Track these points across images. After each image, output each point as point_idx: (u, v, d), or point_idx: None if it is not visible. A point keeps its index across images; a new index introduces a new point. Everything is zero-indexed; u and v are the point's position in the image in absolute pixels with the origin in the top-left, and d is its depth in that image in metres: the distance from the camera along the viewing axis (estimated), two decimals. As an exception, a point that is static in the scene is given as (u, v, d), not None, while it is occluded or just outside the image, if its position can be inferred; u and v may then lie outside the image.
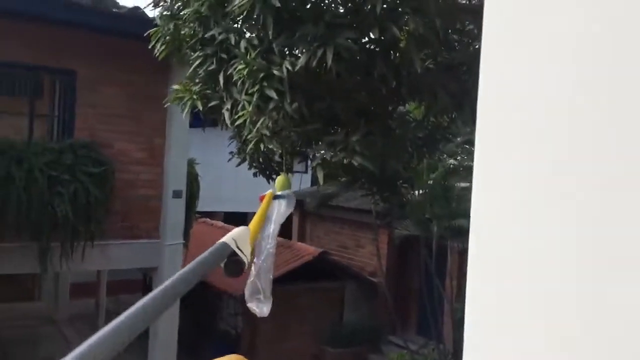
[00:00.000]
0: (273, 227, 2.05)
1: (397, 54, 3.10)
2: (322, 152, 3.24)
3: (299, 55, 2.97)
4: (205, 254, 1.43)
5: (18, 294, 16.33)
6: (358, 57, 2.95)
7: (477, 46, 3.89)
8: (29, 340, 13.02)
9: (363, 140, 3.01)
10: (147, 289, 11.74)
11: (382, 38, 2.83)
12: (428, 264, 10.37)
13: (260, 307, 2.10)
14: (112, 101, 8.31)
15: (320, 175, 3.24)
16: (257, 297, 2.09)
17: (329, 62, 2.75)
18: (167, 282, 1.25)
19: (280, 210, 2.00)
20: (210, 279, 12.03)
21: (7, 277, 14.01)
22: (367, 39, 3.05)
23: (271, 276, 2.08)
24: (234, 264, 1.50)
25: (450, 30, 3.35)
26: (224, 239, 1.51)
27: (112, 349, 1.04)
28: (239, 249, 1.50)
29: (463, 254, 11.05)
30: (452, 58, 3.41)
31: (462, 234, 9.80)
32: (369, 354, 12.17)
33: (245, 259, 1.52)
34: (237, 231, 1.59)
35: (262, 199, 1.99)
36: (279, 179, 3.56)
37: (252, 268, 2.08)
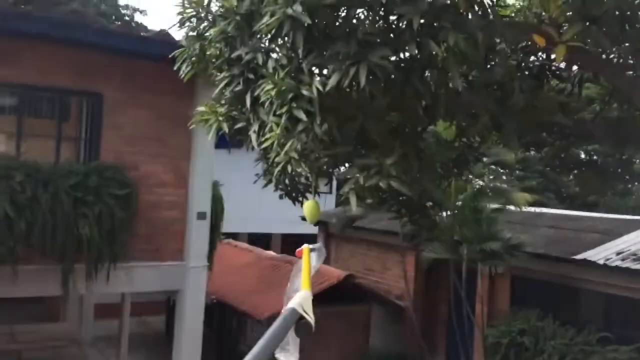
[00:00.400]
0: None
1: (434, 72, 2.94)
2: (355, 175, 3.07)
3: (330, 74, 2.83)
4: (280, 321, 1.66)
5: (43, 315, 16.40)
6: (392, 76, 2.79)
7: (515, 63, 3.71)
8: (52, 361, 12.97)
9: (398, 163, 2.84)
10: (171, 310, 11.62)
11: (419, 55, 2.68)
12: (457, 288, 10.05)
13: (288, 358, 2.08)
14: (138, 123, 8.29)
15: (353, 201, 3.07)
16: (285, 348, 2.07)
17: (362, 81, 2.60)
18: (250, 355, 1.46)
19: (312, 264, 2.12)
20: (234, 301, 11.88)
21: (33, 298, 14.08)
22: (402, 56, 2.90)
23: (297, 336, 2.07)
24: (304, 327, 1.72)
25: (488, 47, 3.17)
26: (292, 304, 1.72)
27: None
28: (305, 312, 1.72)
29: (494, 278, 10.71)
30: (489, 75, 3.23)
31: (493, 257, 9.50)
32: (397, 381, 11.82)
33: (312, 320, 1.73)
34: (301, 296, 1.78)
35: (299, 254, 2.13)
36: (308, 206, 3.40)
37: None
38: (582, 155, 19.06)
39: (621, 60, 4.20)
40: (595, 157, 18.55)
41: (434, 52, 2.58)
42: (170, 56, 4.11)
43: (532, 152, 22.45)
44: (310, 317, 1.72)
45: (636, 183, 24.08)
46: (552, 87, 4.58)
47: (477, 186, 10.11)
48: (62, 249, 7.31)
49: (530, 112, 3.04)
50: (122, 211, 7.60)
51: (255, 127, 3.30)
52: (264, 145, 3.20)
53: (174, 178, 8.61)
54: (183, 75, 3.89)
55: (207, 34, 3.46)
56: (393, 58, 2.78)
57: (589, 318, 9.54)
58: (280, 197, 5.57)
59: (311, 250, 2.20)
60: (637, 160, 22.77)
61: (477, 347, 10.61)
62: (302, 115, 2.86)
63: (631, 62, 4.29)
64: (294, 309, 1.70)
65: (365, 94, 2.80)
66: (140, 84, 8.24)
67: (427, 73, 2.97)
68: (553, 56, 4.97)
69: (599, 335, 8.91)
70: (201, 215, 8.74)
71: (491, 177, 12.35)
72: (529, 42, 3.48)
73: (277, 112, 2.94)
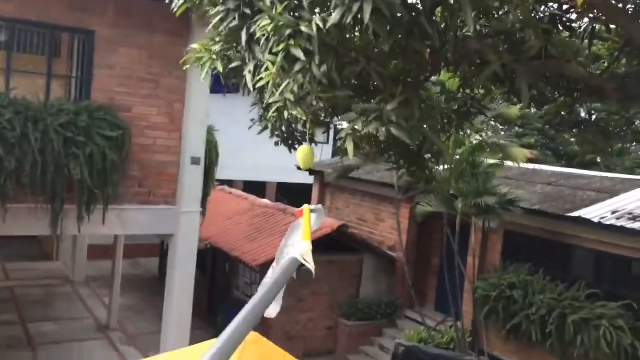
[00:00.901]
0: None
1: (445, 13, 2.74)
2: (352, 121, 2.92)
3: (332, 10, 2.64)
4: (283, 267, 1.87)
5: (37, 254, 16.51)
6: (399, 14, 2.60)
7: (539, 9, 3.50)
8: (45, 299, 13.12)
9: (399, 109, 2.69)
10: (165, 254, 11.65)
11: (429, -8, 2.48)
12: (450, 241, 10.06)
13: (270, 307, 2.25)
14: (130, 63, 8.03)
15: (349, 147, 2.93)
16: None
17: (366, 18, 2.41)
18: (253, 303, 1.64)
19: (311, 224, 2.30)
20: (227, 248, 11.91)
21: (27, 238, 14.10)
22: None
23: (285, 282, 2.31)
24: (306, 274, 1.97)
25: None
26: (293, 254, 1.91)
27: None
28: (306, 260, 1.92)
29: (487, 232, 10.72)
30: (504, 22, 3.03)
31: (488, 212, 9.46)
32: (385, 329, 12.01)
33: (312, 267, 1.93)
34: (302, 246, 1.98)
35: (300, 213, 2.29)
36: (302, 151, 3.26)
37: (270, 271, 2.38)
38: (583, 114, 18.88)
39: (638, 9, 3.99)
40: (595, 116, 18.36)
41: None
42: (162, -11, 3.87)
43: (533, 110, 22.24)
44: (311, 265, 1.92)
45: (635, 144, 23.99)
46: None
47: (476, 141, 9.97)
48: (52, 188, 7.21)
49: (544, 62, 2.86)
50: (113, 153, 7.46)
51: (251, 66, 3.12)
52: (258, 85, 3.03)
53: (168, 121, 8.43)
54: (176, 9, 3.66)
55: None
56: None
57: (580, 274, 9.61)
58: (276, 144, 5.42)
59: (312, 211, 2.35)
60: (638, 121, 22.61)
61: (466, 299, 10.73)
62: (300, 54, 2.69)
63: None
64: (296, 258, 1.88)
65: (369, 34, 2.61)
66: (133, 21, 7.94)
67: (436, 14, 2.78)
68: (565, 6, 4.75)
69: (588, 291, 9.00)
70: (195, 160, 8.60)
71: (490, 132, 12.20)
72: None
73: (274, 50, 2.76)
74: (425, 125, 3.14)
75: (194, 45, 4.00)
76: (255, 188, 18.61)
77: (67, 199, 7.36)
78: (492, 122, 21.65)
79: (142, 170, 8.27)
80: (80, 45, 7.89)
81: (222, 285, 13.00)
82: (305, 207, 2.32)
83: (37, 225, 7.42)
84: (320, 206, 2.50)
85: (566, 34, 4.54)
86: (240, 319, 1.60)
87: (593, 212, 8.99)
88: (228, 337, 1.56)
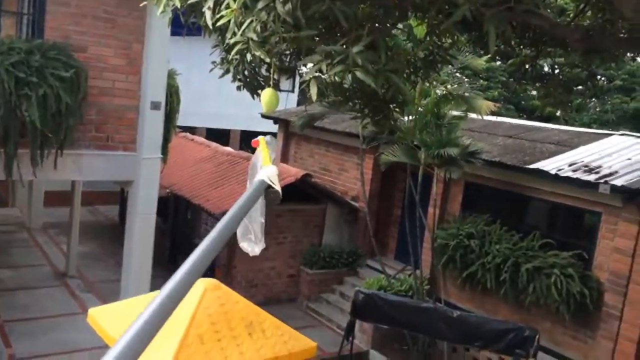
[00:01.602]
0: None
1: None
2: (316, 63, 2.82)
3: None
4: (250, 190, 1.87)
5: (-9, 200, 16.03)
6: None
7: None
8: (0, 245, 12.82)
9: (365, 53, 2.61)
10: (125, 201, 11.45)
11: None
12: (412, 191, 10.18)
13: (252, 247, 2.33)
14: (86, 0, 7.62)
15: (313, 91, 2.84)
16: (248, 237, 2.28)
17: (333, -47, 2.29)
18: (224, 222, 1.60)
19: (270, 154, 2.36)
20: (189, 195, 11.78)
21: (-21, 182, 13.61)
22: None
23: (263, 220, 2.29)
24: (273, 194, 1.99)
25: None
26: (260, 177, 1.96)
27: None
28: (272, 182, 1.97)
29: (449, 183, 10.88)
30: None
31: (450, 163, 9.57)
32: (346, 277, 12.24)
33: (279, 188, 1.98)
34: (268, 170, 2.02)
35: (255, 144, 2.34)
36: (266, 94, 3.17)
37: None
38: (547, 69, 19.08)
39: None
40: (558, 71, 18.60)
41: None
42: None
43: (498, 62, 22.34)
44: (277, 187, 1.95)
45: (593, 100, 24.51)
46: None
47: (441, 92, 9.96)
48: (4, 130, 6.91)
49: (512, 7, 2.80)
50: (68, 95, 7.15)
51: (210, 3, 2.97)
52: (219, 24, 2.89)
53: (126, 63, 8.11)
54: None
55: None
56: None
57: (535, 225, 9.91)
58: (239, 88, 5.26)
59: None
60: (601, 78, 23.04)
61: (426, 248, 10.97)
62: (264, -10, 2.56)
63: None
64: (263, 180, 1.94)
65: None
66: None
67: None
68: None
69: (541, 241, 9.30)
70: (155, 105, 8.35)
71: (455, 84, 12.19)
72: None
73: (235, -15, 2.61)
74: (391, 71, 3.07)
75: (151, -20, 3.77)
76: (219, 136, 18.34)
77: (21, 142, 7.08)
78: (458, 74, 21.69)
79: (100, 115, 8.00)
80: (32, -20, 7.43)
81: (184, 233, 12.93)
82: (260, 137, 2.35)
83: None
84: (270, 137, 2.47)
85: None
86: (206, 242, 1.52)
87: (551, 165, 9.19)
88: (192, 265, 1.49)
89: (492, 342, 8.12)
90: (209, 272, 10.81)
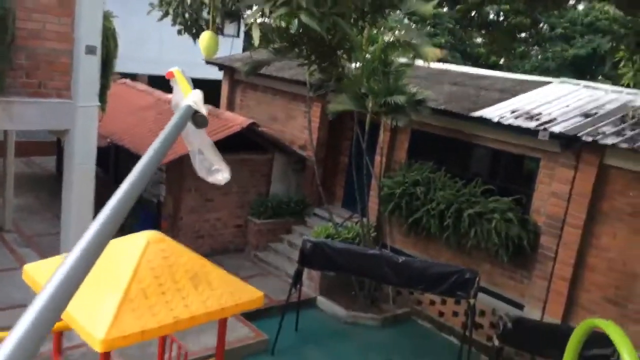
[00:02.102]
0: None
1: None
2: (259, 6, 2.66)
3: None
4: (176, 117, 1.88)
5: None
6: None
7: None
8: None
9: (310, -7, 2.47)
10: (62, 151, 10.96)
11: None
12: (359, 140, 10.20)
13: (222, 175, 2.34)
14: None
15: (255, 35, 2.69)
16: (213, 170, 2.30)
17: None
18: (154, 146, 1.54)
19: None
20: (130, 144, 11.39)
21: None
22: None
23: (213, 148, 2.28)
24: (201, 118, 1.99)
25: None
26: (187, 102, 1.96)
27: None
28: (198, 106, 1.97)
29: (395, 131, 10.95)
30: None
31: (397, 110, 9.59)
32: (294, 226, 12.31)
33: (205, 112, 1.98)
34: (194, 94, 2.01)
35: (170, 75, 2.32)
36: (204, 38, 3.00)
37: (189, 150, 2.34)
38: (491, 16, 19.20)
39: None
40: (503, 18, 18.75)
41: None
42: None
43: (445, 9, 22.28)
44: (204, 110, 1.96)
45: (535, 47, 24.99)
46: None
47: (389, 38, 9.85)
48: None
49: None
50: (-6, 38, 6.62)
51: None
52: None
53: (57, 3, 7.53)
54: None
55: None
56: None
57: (478, 172, 10.16)
58: (179, 32, 5.03)
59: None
60: (544, 26, 23.41)
61: (372, 196, 11.11)
62: None
63: None
64: (189, 105, 1.94)
65: None
66: None
67: None
68: None
69: (483, 187, 9.57)
70: (90, 49, 7.86)
71: (402, 31, 12.08)
72: None
73: None
74: (337, 14, 2.94)
75: None
76: (161, 83, 17.68)
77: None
78: (406, 21, 21.53)
79: (30, 59, 7.47)
80: None
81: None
82: (175, 69, 2.36)
83: None
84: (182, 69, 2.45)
85: None
86: (130, 179, 1.37)
87: (494, 112, 9.36)
88: (116, 203, 1.30)
89: (435, 285, 8.43)
90: (155, 224, 10.62)
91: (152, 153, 1.49)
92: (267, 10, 2.56)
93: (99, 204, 8.94)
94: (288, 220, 12.31)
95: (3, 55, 6.85)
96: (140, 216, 11.03)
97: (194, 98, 1.96)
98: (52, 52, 7.66)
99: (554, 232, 8.74)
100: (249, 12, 5.75)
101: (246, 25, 3.77)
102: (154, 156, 1.48)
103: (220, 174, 2.38)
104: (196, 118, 1.97)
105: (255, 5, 2.61)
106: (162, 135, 1.63)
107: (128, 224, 11.03)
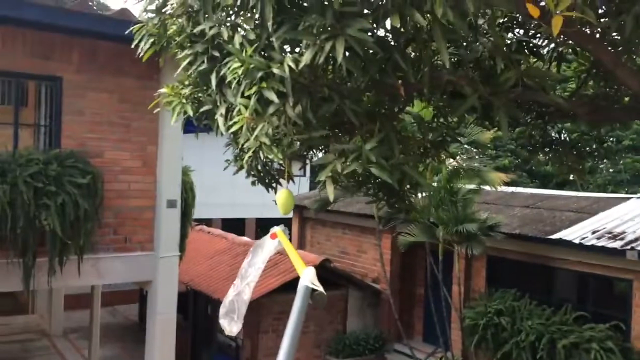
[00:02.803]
0: (262, 261, 2.52)
1: (418, 47, 2.70)
2: (332, 162, 2.83)
3: (303, 50, 2.57)
4: (298, 300, 1.95)
5: (12, 308, 15.90)
6: (372, 52, 2.54)
7: (506, 36, 3.50)
8: (21, 355, 12.59)
9: (378, 148, 2.61)
10: (144, 299, 11.32)
11: (402, 28, 2.43)
12: (434, 270, 9.97)
13: (231, 326, 2.39)
14: (100, 108, 7.89)
15: (329, 189, 2.83)
16: (231, 316, 2.37)
17: (339, 58, 2.35)
18: (288, 332, 1.71)
19: (271, 249, 2.44)
20: (208, 289, 11.62)
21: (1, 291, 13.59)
22: (382, 29, 2.65)
23: (248, 300, 2.39)
24: (320, 297, 2.00)
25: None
26: (304, 283, 2.00)
27: None
28: (315, 285, 2.00)
29: (470, 259, 10.67)
30: (474, 50, 3.00)
31: (469, 239, 9.42)
32: (374, 364, 11.77)
33: (322, 289, 2.00)
34: (308, 273, 2.04)
35: (274, 236, 2.41)
36: (282, 196, 3.16)
37: (232, 289, 2.50)
38: (553, 134, 19.22)
39: (605, 36, 4.04)
40: (566, 136, 18.72)
41: (418, 25, 2.34)
42: (126, 32, 3.79)
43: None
44: (320, 288, 1.98)
45: (605, 161, 24.46)
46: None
47: (452, 167, 10.00)
48: (23, 242, 6.93)
49: (520, 93, 2.84)
50: (86, 201, 7.22)
51: (222, 110, 3.03)
52: (232, 130, 2.94)
53: (141, 164, 8.25)
54: (142, 54, 3.57)
55: (167, 7, 3.15)
56: (375, 32, 2.53)
57: (565, 297, 9.57)
58: (253, 183, 5.31)
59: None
60: (610, 138, 23.12)
61: (454, 328, 10.59)
62: (273, 96, 2.61)
63: (615, 37, 4.14)
64: (306, 286, 1.97)
65: (342, 72, 2.55)
66: (101, 66, 7.82)
67: (409, 49, 2.73)
68: (532, 32, 4.80)
69: (575, 314, 8.94)
70: (171, 203, 8.41)
71: (464, 157, 12.26)
72: (516, 15, 3.28)
73: (246, 93, 2.67)
74: (404, 162, 3.07)
75: (163, 89, 3.90)
76: (234, 225, 18.37)
77: (39, 251, 7.09)
78: (466, 146, 21.88)
79: (117, 217, 8.05)
80: (48, 92, 7.73)
81: (204, 328, 12.64)
82: (276, 229, 2.40)
83: (9, 281, 7.11)
84: (282, 226, 2.51)
85: (533, 59, 4.58)
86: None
87: (573, 233, 9.01)
88: None
89: None
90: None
91: (289, 340, 1.71)
92: (339, 167, 2.71)
93: (178, 349, 8.99)
94: (368, 358, 11.81)
95: (92, 216, 7.40)
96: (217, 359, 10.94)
97: (309, 277, 2.01)
98: (137, 209, 8.23)
99: (663, 359, 7.90)
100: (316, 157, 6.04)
101: (313, 169, 3.97)
102: (291, 342, 1.70)
103: (234, 325, 2.45)
104: (315, 297, 2.02)
105: (327, 163, 2.78)
106: (292, 322, 1.78)
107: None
